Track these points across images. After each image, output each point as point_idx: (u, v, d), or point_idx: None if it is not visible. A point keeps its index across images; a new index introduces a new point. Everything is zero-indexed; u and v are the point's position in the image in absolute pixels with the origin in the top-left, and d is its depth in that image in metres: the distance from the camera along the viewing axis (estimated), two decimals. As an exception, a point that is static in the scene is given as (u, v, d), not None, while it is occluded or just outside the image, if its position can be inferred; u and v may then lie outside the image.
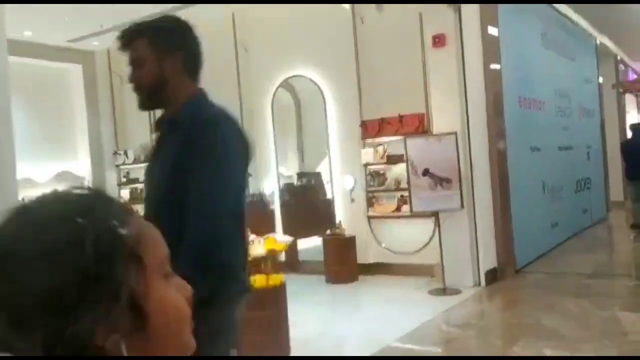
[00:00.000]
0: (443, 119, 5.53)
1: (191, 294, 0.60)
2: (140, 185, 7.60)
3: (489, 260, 5.68)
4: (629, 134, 9.96)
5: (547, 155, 7.25)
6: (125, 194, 7.94)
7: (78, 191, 0.57)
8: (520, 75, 6.64)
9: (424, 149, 5.31)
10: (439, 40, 5.44)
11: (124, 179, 8.15)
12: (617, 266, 6.52)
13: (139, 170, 7.49)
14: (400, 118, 5.88)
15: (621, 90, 12.59)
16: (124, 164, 8.02)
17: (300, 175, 7.19)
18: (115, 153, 8.15)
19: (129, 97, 2.05)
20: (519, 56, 6.59)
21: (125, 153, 7.99)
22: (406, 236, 6.07)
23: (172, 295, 0.58)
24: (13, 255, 0.51)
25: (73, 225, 0.52)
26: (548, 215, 7.27)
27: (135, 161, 7.83)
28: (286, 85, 6.86)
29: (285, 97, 7.12)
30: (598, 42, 10.31)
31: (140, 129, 7.34)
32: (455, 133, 5.27)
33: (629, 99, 14.20)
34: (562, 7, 8.19)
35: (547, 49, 7.65)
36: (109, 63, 7.98)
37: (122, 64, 1.86)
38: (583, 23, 9.28)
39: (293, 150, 7.41)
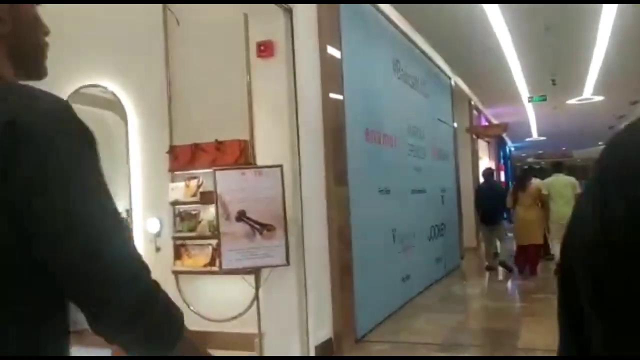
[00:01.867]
0: (268, 149, 4.34)
1: None
2: None
3: (322, 329, 4.50)
4: (482, 179, 9.76)
5: (398, 199, 6.37)
6: None
7: None
8: (368, 105, 5.72)
9: (239, 185, 4.04)
10: (265, 49, 4.29)
11: None
12: (469, 332, 5.67)
13: None
14: (218, 145, 4.58)
15: (474, 135, 12.54)
16: None
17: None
18: None
19: None
20: (366, 82, 5.68)
21: None
22: (222, 297, 4.71)
23: None
24: None
25: None
26: (398, 268, 6.34)
27: None
28: (78, 96, 5.27)
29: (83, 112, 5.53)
30: (453, 82, 9.99)
31: None
32: (281, 166, 4.09)
33: (481, 145, 14.34)
34: (417, 38, 7.57)
35: (400, 81, 6.90)
36: None
37: None
38: (438, 60, 8.82)
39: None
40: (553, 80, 10.27)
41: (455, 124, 10.22)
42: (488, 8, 6.72)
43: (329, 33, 4.80)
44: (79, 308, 0.84)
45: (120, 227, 0.89)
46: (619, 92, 12.50)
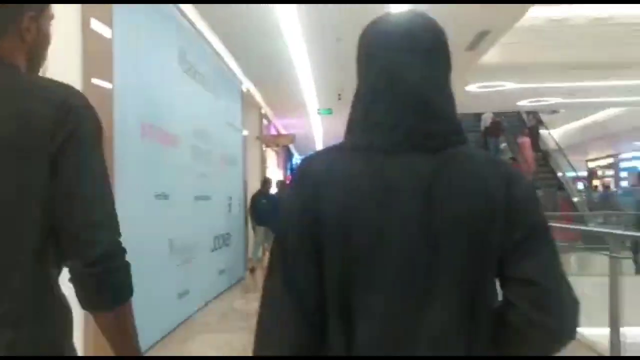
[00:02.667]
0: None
1: None
2: None
3: None
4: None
5: (177, 206, 5.71)
6: None
7: None
8: (146, 97, 4.98)
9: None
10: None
11: None
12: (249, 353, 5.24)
13: None
14: None
15: (264, 144, 12.41)
16: None
17: None
18: None
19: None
20: (144, 70, 4.94)
21: None
22: None
23: None
24: None
25: None
26: (175, 283, 5.67)
27: None
28: None
29: None
30: (245, 88, 9.66)
31: None
32: None
33: (270, 154, 14.33)
34: (210, 36, 7.02)
35: (187, 76, 6.28)
36: None
37: None
38: (231, 62, 8.39)
39: None
40: (339, 95, 10.61)
41: (246, 132, 9.89)
42: (282, 16, 6.49)
43: (96, 6, 3.99)
44: (65, 249, 1.09)
45: (111, 196, 1.15)
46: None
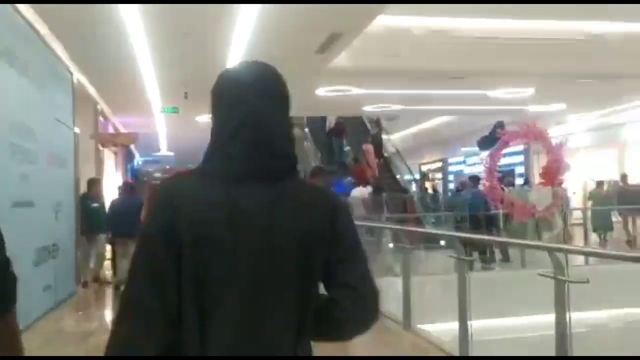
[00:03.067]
0: None
1: None
2: None
3: None
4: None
5: (-11, 214, 4.78)
6: None
7: None
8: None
9: None
10: None
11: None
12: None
13: None
14: None
15: (100, 144, 11.30)
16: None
17: None
18: None
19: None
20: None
21: None
22: None
23: None
24: None
25: None
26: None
27: None
28: None
29: None
30: (76, 80, 8.63)
31: None
32: None
33: (107, 155, 13.14)
34: (29, 13, 6.07)
35: (2, 60, 5.32)
36: None
37: None
38: (58, 48, 7.40)
39: None
40: (185, 94, 10.02)
41: (77, 129, 8.85)
42: (122, 5, 5.82)
43: None
44: None
45: None
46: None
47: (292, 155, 1.25)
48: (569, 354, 3.34)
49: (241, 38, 7.24)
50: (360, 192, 11.91)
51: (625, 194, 13.11)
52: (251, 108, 1.20)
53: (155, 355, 1.09)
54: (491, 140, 8.15)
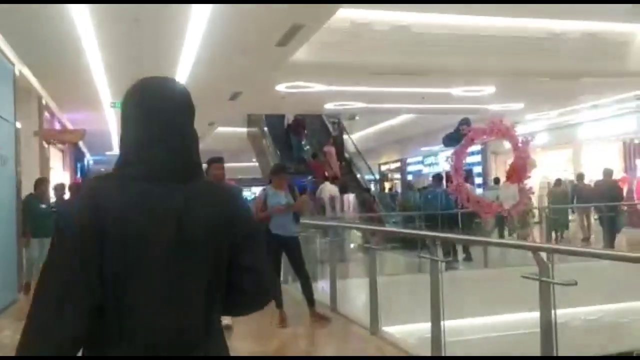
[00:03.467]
0: None
1: None
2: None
3: None
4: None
5: None
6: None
7: None
8: None
9: None
10: None
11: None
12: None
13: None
14: None
15: (45, 141, 10.61)
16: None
17: None
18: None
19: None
20: None
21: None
22: None
23: None
24: None
25: None
26: None
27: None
28: None
29: None
30: (17, 71, 8.01)
31: None
32: None
33: (54, 153, 12.41)
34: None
35: None
36: None
37: None
38: (-4, 36, 6.82)
39: None
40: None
41: (19, 124, 8.22)
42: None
43: None
44: None
45: None
46: (199, 112, 12.69)
47: (199, 160, 1.47)
48: (555, 354, 3.14)
49: (196, 29, 6.83)
50: (330, 188, 11.84)
51: (581, 193, 13.43)
52: (169, 119, 1.39)
53: (71, 345, 1.26)
54: (457, 138, 8.02)
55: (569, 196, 13.69)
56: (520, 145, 7.51)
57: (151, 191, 1.33)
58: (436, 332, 4.15)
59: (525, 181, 7.47)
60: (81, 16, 6.24)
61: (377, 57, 9.10)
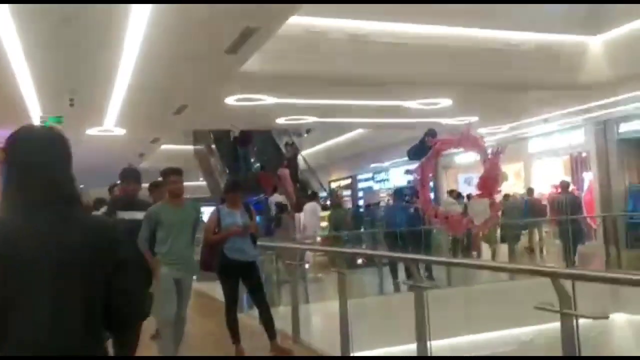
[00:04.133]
0: None
1: None
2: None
3: None
4: None
5: None
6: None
7: None
8: None
9: None
10: None
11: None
12: None
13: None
14: None
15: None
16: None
17: None
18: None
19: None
20: None
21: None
22: None
23: None
24: None
25: None
26: None
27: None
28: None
29: None
30: None
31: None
32: None
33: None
34: None
35: None
36: None
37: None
38: None
39: None
40: (71, 100, 8.65)
41: None
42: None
43: None
44: None
45: None
46: (142, 127, 11.87)
47: (74, 193, 1.75)
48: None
49: (136, 32, 6.13)
50: (312, 207, 11.59)
51: (532, 207, 14.02)
52: (45, 160, 1.70)
53: None
54: (422, 150, 7.61)
55: (522, 210, 13.99)
56: (490, 156, 7.17)
57: (30, 221, 1.59)
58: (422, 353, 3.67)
59: (495, 195, 7.14)
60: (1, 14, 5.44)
61: (332, 67, 8.63)
